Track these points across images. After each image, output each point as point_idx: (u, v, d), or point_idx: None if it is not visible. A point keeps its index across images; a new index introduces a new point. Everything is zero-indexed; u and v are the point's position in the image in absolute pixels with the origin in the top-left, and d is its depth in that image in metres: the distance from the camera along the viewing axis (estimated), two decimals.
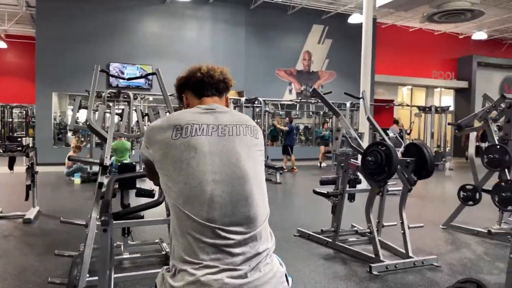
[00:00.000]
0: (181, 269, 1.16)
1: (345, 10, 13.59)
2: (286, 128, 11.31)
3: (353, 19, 12.44)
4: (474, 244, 4.50)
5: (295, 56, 14.25)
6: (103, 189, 3.06)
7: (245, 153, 1.28)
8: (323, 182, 4.49)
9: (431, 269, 3.69)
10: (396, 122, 12.74)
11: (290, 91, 14.18)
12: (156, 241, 4.11)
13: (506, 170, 4.65)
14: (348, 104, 11.52)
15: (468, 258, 4.06)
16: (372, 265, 3.57)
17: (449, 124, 5.98)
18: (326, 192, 4.50)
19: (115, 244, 4.05)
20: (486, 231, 4.72)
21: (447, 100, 17.25)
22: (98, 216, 1.81)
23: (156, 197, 1.90)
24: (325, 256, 4.04)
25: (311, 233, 4.59)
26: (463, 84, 16.82)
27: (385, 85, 15.85)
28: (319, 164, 12.29)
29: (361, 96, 4.84)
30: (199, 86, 1.43)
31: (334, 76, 14.62)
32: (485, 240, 4.66)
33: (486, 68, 17.25)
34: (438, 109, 12.16)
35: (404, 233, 3.89)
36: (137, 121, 3.17)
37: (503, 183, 4.52)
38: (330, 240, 4.32)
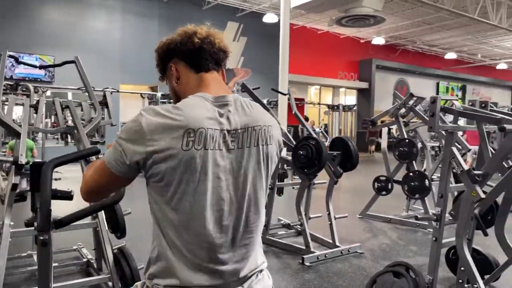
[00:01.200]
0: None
1: (260, 9, 13.84)
2: None
3: (268, 18, 12.72)
4: (389, 231, 4.89)
5: None
6: (17, 191, 2.68)
7: (252, 175, 1.05)
8: None
9: (356, 256, 3.91)
10: (307, 119, 13.34)
11: None
12: (75, 247, 3.73)
13: (413, 162, 5.13)
14: (265, 101, 11.72)
15: (386, 243, 4.39)
16: (304, 256, 3.67)
17: (364, 120, 6.40)
18: None
19: (25, 254, 3.60)
20: (414, 217, 5.10)
21: (351, 99, 18.59)
22: (36, 226, 1.39)
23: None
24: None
25: None
26: (364, 84, 18.26)
27: (296, 84, 16.50)
28: None
29: (287, 92, 4.94)
30: (196, 55, 1.10)
31: (249, 74, 14.78)
32: (397, 226, 5.09)
33: (383, 70, 18.95)
34: (345, 107, 13.04)
35: (331, 224, 4.06)
36: (56, 114, 2.80)
37: (411, 174, 4.98)
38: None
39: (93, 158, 2.30)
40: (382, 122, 6.11)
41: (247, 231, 1.07)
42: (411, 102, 5.10)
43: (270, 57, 14.84)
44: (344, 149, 3.97)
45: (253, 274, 1.09)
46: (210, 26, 1.17)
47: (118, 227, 2.77)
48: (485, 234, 2.91)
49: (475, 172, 2.50)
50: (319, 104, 15.28)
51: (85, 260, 3.43)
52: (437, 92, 21.04)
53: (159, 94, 10.19)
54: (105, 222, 2.82)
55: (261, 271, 1.12)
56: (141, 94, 10.78)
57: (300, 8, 10.66)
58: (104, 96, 3.04)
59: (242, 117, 1.06)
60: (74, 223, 3.32)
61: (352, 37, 17.61)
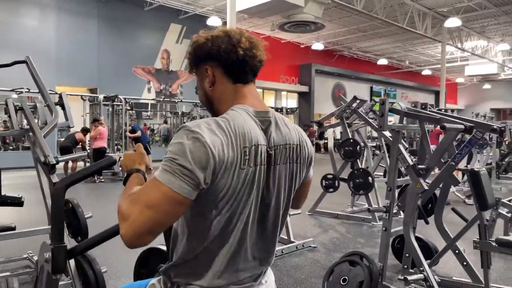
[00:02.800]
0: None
1: (204, 12, 13.85)
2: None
3: (212, 21, 12.77)
4: (337, 226, 5.18)
5: (154, 54, 13.87)
6: None
7: (282, 193, 1.09)
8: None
9: (310, 250, 4.12)
10: None
11: (149, 89, 13.74)
12: (25, 256, 3.54)
13: (357, 160, 5.49)
14: None
15: (336, 237, 4.66)
16: None
17: (311, 121, 6.72)
18: None
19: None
20: (366, 209, 5.36)
21: (292, 102, 19.18)
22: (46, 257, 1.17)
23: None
24: None
25: None
26: (304, 88, 18.94)
27: None
28: None
29: None
30: (238, 67, 1.09)
31: (193, 76, 14.69)
32: (344, 221, 5.41)
33: (322, 75, 19.79)
34: (288, 110, 13.46)
35: (286, 220, 4.24)
36: (9, 116, 2.65)
37: (356, 171, 5.33)
38: None
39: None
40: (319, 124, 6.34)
41: (271, 243, 1.12)
42: (354, 105, 5.45)
43: None
44: None
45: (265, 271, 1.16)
46: (251, 35, 1.14)
47: (79, 232, 2.71)
48: (427, 223, 3.25)
49: (419, 166, 2.79)
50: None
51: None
52: (371, 95, 22.36)
53: (101, 97, 9.83)
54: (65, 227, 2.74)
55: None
56: (81, 96, 10.32)
57: (245, 12, 10.86)
58: (60, 97, 2.95)
59: (279, 134, 1.07)
60: (25, 230, 3.22)
61: (293, 42, 18.19)
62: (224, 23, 14.25)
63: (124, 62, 13.02)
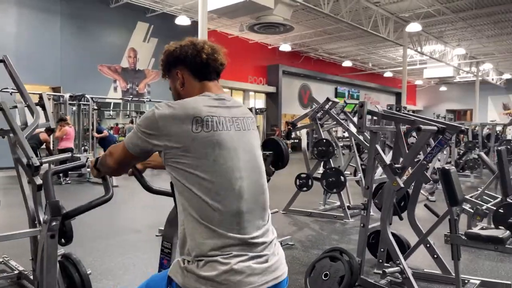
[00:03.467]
0: (210, 260, 1.14)
1: (172, 10, 13.71)
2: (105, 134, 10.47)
3: (181, 20, 12.67)
4: (311, 224, 5.33)
5: (120, 53, 13.58)
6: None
7: (256, 146, 1.33)
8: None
9: (288, 247, 4.23)
10: None
11: (115, 89, 13.44)
12: (0, 260, 3.43)
13: (330, 159, 5.67)
14: None
15: (311, 234, 4.81)
16: None
17: (286, 122, 6.80)
18: None
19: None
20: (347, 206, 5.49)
21: (260, 102, 19.33)
22: (44, 220, 1.49)
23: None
24: None
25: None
26: (272, 89, 19.14)
27: None
28: None
29: None
30: (201, 68, 1.34)
31: (160, 76, 14.51)
32: (317, 219, 5.57)
33: (289, 76, 20.08)
34: (257, 110, 13.56)
35: None
36: None
37: (328, 170, 5.51)
38: None
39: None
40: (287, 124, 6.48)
41: (262, 197, 1.29)
42: (327, 106, 5.62)
43: None
44: (276, 149, 4.26)
45: (272, 241, 1.28)
46: (213, 43, 1.40)
47: (64, 233, 2.66)
48: (401, 218, 3.43)
49: (396, 165, 2.96)
50: None
51: (16, 272, 3.18)
52: (336, 96, 22.90)
53: (66, 96, 9.53)
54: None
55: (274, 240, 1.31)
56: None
57: (215, 12, 10.85)
58: (41, 97, 2.89)
59: (239, 110, 1.33)
60: (5, 234, 3.12)
61: (261, 43, 18.35)
62: (193, 23, 14.21)
63: (89, 61, 12.67)
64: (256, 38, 17.43)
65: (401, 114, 3.09)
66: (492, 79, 24.87)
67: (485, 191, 5.03)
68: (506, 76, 24.81)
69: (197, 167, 1.18)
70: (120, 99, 13.20)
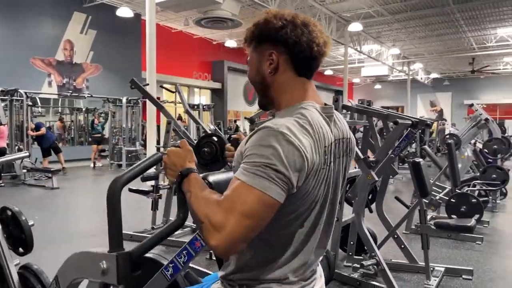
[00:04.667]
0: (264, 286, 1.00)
1: (111, 1, 13.00)
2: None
3: (122, 12, 12.05)
4: None
5: (54, 45, 12.60)
6: None
7: (340, 185, 1.09)
8: (145, 179, 4.31)
9: None
10: (180, 118, 13.24)
11: (50, 83, 12.47)
12: None
13: None
14: (124, 100, 11.15)
15: None
16: (211, 251, 3.74)
17: (245, 118, 6.74)
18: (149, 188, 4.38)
19: None
20: None
21: (204, 99, 19.04)
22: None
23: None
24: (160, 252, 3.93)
25: (133, 233, 4.35)
26: (217, 85, 18.92)
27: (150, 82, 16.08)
28: (92, 165, 11.40)
29: (175, 90, 4.88)
30: (308, 63, 1.05)
31: (100, 70, 13.75)
32: None
33: (234, 72, 19.98)
34: (205, 107, 13.36)
35: None
36: None
37: None
38: None
39: None
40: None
41: (329, 236, 1.14)
42: None
43: (123, 53, 14.11)
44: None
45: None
46: (322, 29, 1.09)
47: (23, 242, 2.37)
48: (371, 211, 3.51)
49: (370, 159, 3.00)
50: (179, 102, 15.23)
51: None
52: None
53: None
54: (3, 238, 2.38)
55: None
56: None
57: (162, 5, 10.41)
58: None
59: (340, 128, 1.08)
60: None
61: (205, 38, 18.05)
62: (136, 15, 13.62)
63: (20, 53, 11.61)
64: (200, 33, 17.12)
65: (374, 108, 3.15)
66: (421, 78, 26.64)
67: (436, 183, 5.32)
68: (434, 75, 26.75)
69: (298, 210, 0.96)
70: (58, 94, 12.30)
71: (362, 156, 3.01)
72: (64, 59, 12.84)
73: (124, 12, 12.08)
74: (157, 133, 9.68)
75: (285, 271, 0.99)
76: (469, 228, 2.90)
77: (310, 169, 0.91)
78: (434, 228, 3.11)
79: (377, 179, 2.97)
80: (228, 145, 1.47)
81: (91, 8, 13.20)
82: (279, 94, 1.06)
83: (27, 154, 2.46)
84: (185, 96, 18.11)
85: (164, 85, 5.57)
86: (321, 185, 0.97)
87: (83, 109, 14.79)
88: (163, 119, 12.11)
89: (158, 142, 10.77)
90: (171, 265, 1.85)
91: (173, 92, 4.88)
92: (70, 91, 12.57)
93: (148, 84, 5.03)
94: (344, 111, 3.20)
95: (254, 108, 21.41)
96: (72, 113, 15.10)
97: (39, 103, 10.61)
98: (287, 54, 1.04)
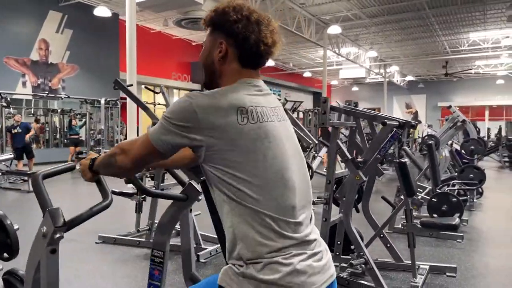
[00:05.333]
0: (270, 261, 1.02)
1: (88, 0, 12.74)
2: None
3: (100, 11, 11.82)
4: None
5: (29, 44, 12.23)
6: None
7: (296, 136, 1.23)
8: (129, 181, 4.22)
9: None
10: (157, 119, 13.04)
11: (24, 83, 12.10)
12: None
13: None
14: (102, 101, 10.93)
15: None
16: (198, 253, 3.70)
17: None
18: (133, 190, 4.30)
19: None
20: None
21: None
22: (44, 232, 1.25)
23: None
24: (145, 257, 3.87)
25: (117, 236, 4.27)
26: (197, 86, 18.78)
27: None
28: None
29: (159, 91, 4.81)
30: (253, 58, 1.16)
31: (76, 70, 13.43)
32: None
33: None
34: None
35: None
36: None
37: None
38: (143, 240, 4.15)
39: None
40: None
41: (309, 190, 1.19)
42: None
43: (100, 54, 13.84)
44: None
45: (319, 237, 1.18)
46: (275, 29, 1.19)
47: (8, 247, 2.28)
48: (357, 211, 3.55)
49: (358, 159, 3.04)
50: (160, 104, 15.06)
51: None
52: None
53: None
54: None
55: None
56: None
57: (142, 5, 10.26)
58: None
59: (274, 100, 1.20)
60: None
61: (184, 39, 17.91)
62: (114, 14, 13.39)
63: None
64: (179, 34, 16.98)
65: (361, 110, 3.19)
66: (397, 81, 27.22)
67: (417, 183, 5.44)
68: (409, 78, 27.36)
69: (247, 164, 1.05)
70: (34, 95, 11.95)
71: (350, 157, 3.04)
72: (39, 59, 12.49)
73: (102, 11, 11.85)
74: (137, 134, 9.54)
75: (278, 243, 1.04)
76: (454, 226, 2.98)
77: (211, 123, 1.03)
78: (420, 226, 3.18)
79: (365, 179, 3.01)
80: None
81: (67, 7, 12.91)
82: (222, 80, 1.17)
83: (12, 156, 2.38)
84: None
85: (147, 86, 5.48)
86: (254, 140, 1.05)
87: (59, 110, 14.42)
88: (143, 120, 11.95)
89: None
90: None
91: (157, 93, 4.80)
92: (47, 92, 12.23)
93: (131, 85, 4.93)
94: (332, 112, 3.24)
95: None
96: (47, 115, 14.69)
97: (9, 104, 10.27)
98: (235, 47, 1.14)
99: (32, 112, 14.05)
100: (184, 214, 1.85)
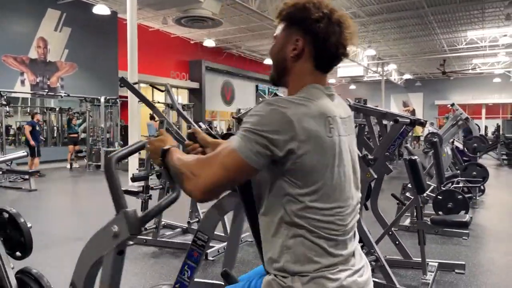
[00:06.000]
0: (317, 276, 0.99)
1: None
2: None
3: (99, 9, 11.74)
4: None
5: (27, 42, 12.15)
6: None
7: (356, 152, 1.14)
8: (135, 179, 4.21)
9: (248, 244, 4.15)
10: (153, 117, 13.01)
11: (23, 82, 12.03)
12: None
13: None
14: (102, 99, 10.88)
15: None
16: (207, 252, 3.69)
17: (233, 117, 6.70)
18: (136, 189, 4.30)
19: None
20: None
21: (181, 98, 18.82)
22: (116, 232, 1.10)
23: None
24: (153, 255, 3.87)
25: None
26: (195, 84, 18.76)
27: None
28: (69, 166, 11.07)
29: (165, 89, 4.80)
30: (329, 60, 1.09)
31: (75, 69, 13.37)
32: None
33: (212, 72, 19.87)
34: (184, 106, 13.22)
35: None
36: None
37: None
38: (150, 238, 4.14)
39: None
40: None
41: (357, 209, 1.14)
42: None
43: (99, 52, 13.77)
44: None
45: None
46: (353, 31, 1.10)
47: (22, 245, 2.27)
48: (366, 209, 3.55)
49: (369, 156, 3.04)
50: (159, 102, 15.02)
51: None
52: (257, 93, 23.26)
53: None
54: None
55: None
56: None
57: (142, 3, 10.25)
58: None
59: (344, 107, 1.14)
60: None
61: (182, 38, 17.86)
62: (113, 13, 13.32)
63: None
64: (178, 32, 16.93)
65: (372, 107, 3.19)
66: (394, 79, 27.28)
67: None
68: (406, 76, 27.45)
69: (319, 180, 0.99)
70: (34, 93, 11.87)
71: (360, 154, 3.04)
72: (37, 57, 12.42)
73: (101, 9, 11.78)
74: (124, 133, 9.52)
75: (329, 260, 1.01)
76: (465, 223, 2.99)
77: (306, 134, 0.95)
78: (430, 224, 3.20)
79: (375, 176, 3.01)
80: (187, 141, 1.46)
81: (66, 5, 12.83)
82: (293, 81, 1.10)
83: (25, 153, 2.36)
84: (162, 95, 17.88)
85: (152, 85, 5.46)
86: (332, 157, 1.00)
87: (57, 109, 14.34)
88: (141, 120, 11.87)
89: (122, 145, 10.66)
90: (177, 285, 1.81)
91: (162, 91, 4.79)
92: (46, 90, 12.16)
93: (137, 83, 4.91)
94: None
95: (231, 108, 21.39)
96: (45, 113, 14.61)
97: (9, 103, 10.24)
98: (312, 47, 1.07)
99: (29, 111, 13.98)
100: (239, 212, 1.84)
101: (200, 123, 4.14)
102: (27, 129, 9.20)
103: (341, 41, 1.07)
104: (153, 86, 5.05)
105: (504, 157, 12.95)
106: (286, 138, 0.94)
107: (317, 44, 1.06)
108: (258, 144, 0.94)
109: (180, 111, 4.55)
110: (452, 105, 6.27)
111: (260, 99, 5.82)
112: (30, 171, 7.43)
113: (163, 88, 4.77)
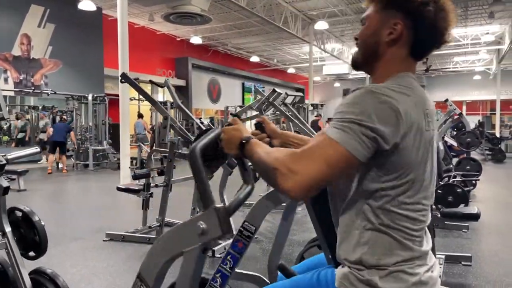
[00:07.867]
0: (395, 270, 0.97)
1: None
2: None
3: (85, 5, 11.49)
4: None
5: (10, 39, 11.80)
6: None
7: (435, 156, 1.06)
8: (136, 177, 4.13)
9: (254, 241, 4.11)
10: (141, 116, 12.84)
11: (6, 80, 11.68)
12: None
13: None
14: (90, 97, 10.66)
15: (269, 226, 4.75)
16: (214, 248, 3.65)
17: (231, 114, 6.68)
18: (136, 187, 4.23)
19: None
20: None
21: (167, 96, 18.62)
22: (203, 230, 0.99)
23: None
24: None
25: (125, 233, 4.17)
26: (181, 82, 18.57)
27: (112, 79, 15.47)
28: (55, 165, 10.81)
29: (164, 85, 4.71)
30: (427, 46, 1.02)
31: (59, 66, 13.05)
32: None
33: (198, 69, 19.71)
34: (172, 104, 13.05)
35: None
36: None
37: None
38: (153, 236, 4.07)
39: None
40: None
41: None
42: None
43: (83, 49, 13.49)
44: None
45: None
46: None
47: (37, 245, 2.19)
48: None
49: None
50: (141, 100, 14.80)
51: None
52: (243, 91, 23.21)
53: None
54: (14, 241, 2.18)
55: None
56: None
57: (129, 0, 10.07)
58: None
59: (429, 99, 1.05)
60: None
61: (168, 35, 17.65)
62: (98, 8, 13.06)
63: None
64: (164, 29, 16.73)
65: None
66: None
67: None
68: None
69: (411, 173, 0.95)
70: (18, 91, 11.54)
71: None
72: (21, 54, 12.09)
73: (87, 5, 11.53)
74: (112, 132, 9.32)
75: (407, 254, 0.99)
76: (476, 215, 3.03)
77: (409, 126, 0.90)
78: (440, 217, 3.23)
79: None
80: (253, 130, 1.42)
81: (50, 1, 12.53)
82: (383, 67, 1.03)
83: (38, 150, 2.27)
84: (149, 93, 17.64)
85: (152, 80, 5.38)
86: (425, 152, 0.96)
87: (40, 107, 14.00)
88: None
89: (111, 143, 10.54)
90: (217, 274, 1.76)
91: (162, 86, 4.70)
92: (32, 88, 11.85)
93: (138, 78, 4.80)
94: None
95: (218, 106, 21.28)
96: (28, 112, 14.25)
97: None
98: (412, 33, 0.99)
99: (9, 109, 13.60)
100: (291, 208, 1.80)
101: (202, 120, 4.04)
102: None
103: (447, 27, 1.00)
104: (152, 82, 4.93)
105: (488, 152, 13.25)
106: (393, 130, 0.88)
107: (422, 30, 0.99)
108: (365, 135, 0.87)
109: (183, 107, 4.48)
110: (446, 101, 6.37)
111: (259, 96, 5.78)
112: (19, 170, 7.18)
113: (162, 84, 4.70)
